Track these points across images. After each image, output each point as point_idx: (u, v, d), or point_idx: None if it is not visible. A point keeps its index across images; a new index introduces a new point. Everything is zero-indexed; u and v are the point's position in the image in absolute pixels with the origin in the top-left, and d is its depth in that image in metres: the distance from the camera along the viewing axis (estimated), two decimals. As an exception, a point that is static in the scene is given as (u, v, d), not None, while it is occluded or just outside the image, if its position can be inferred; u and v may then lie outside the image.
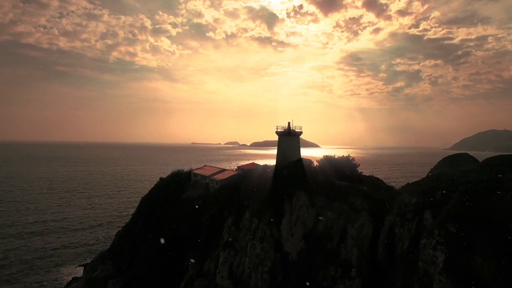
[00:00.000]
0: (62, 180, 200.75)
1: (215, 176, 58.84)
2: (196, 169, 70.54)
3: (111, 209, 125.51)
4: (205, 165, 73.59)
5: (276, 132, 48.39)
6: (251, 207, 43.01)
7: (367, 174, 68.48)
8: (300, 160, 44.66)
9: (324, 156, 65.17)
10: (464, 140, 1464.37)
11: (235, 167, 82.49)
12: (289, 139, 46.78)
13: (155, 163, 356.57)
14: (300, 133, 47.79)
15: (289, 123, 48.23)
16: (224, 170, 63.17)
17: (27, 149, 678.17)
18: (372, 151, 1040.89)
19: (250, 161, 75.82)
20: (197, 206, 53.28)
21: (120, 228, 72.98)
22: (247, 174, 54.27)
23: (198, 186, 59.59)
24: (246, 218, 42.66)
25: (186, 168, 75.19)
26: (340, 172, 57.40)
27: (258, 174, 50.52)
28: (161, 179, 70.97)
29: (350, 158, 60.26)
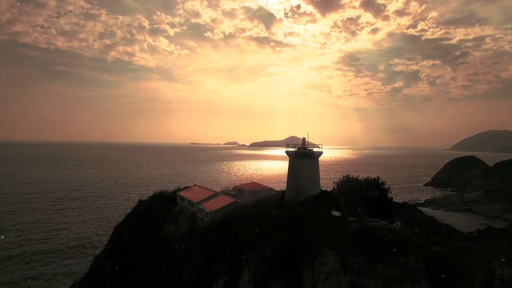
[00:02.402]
0: (53, 184, 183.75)
1: (204, 204, 45.37)
2: (183, 190, 57.08)
3: (98, 223, 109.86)
4: (194, 185, 60.02)
5: (286, 152, 34.97)
6: (252, 264, 29.53)
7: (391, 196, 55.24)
8: (323, 194, 31.27)
9: (344, 176, 51.95)
10: (464, 140, 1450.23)
11: (232, 186, 68.85)
12: (305, 163, 33.30)
13: (153, 165, 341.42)
14: (320, 153, 34.38)
15: (304, 140, 34.75)
16: (216, 194, 49.65)
17: (24, 149, 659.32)
18: (373, 152, 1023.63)
19: (250, 179, 62.23)
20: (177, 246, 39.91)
21: (99, 252, 59.73)
22: (247, 204, 40.89)
23: (183, 216, 46.06)
24: (244, 281, 29.17)
25: (174, 184, 62.63)
26: (365, 198, 44.25)
27: (262, 206, 37.01)
28: (140, 202, 57.45)
29: (380, 181, 46.90)
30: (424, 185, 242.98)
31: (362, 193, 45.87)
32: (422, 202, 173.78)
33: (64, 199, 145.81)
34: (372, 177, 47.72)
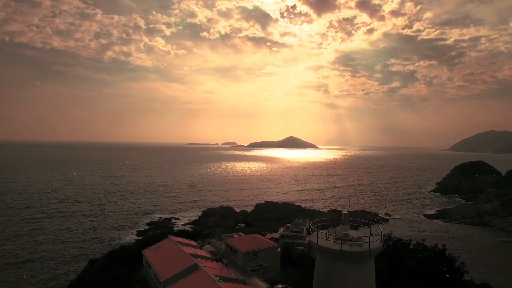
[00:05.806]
0: (37, 193, 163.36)
1: (174, 289, 28.79)
2: (152, 246, 40.45)
3: (74, 255, 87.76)
4: (168, 237, 43.11)
5: (315, 246, 17.54)
6: None
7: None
8: None
9: (385, 236, 35.52)
10: (463, 141, 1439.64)
11: (224, 236, 51.38)
12: (353, 269, 16.24)
13: (149, 169, 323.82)
14: (379, 249, 17.08)
15: (345, 217, 17.64)
16: (195, 266, 33.04)
17: (20, 149, 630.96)
18: (372, 152, 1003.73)
19: (243, 233, 44.84)
20: None
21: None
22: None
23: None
24: None
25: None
26: (424, 276, 27.91)
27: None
28: (91, 263, 40.99)
29: (446, 253, 30.30)
30: (431, 191, 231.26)
31: (415, 264, 29.50)
32: (433, 213, 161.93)
33: (42, 217, 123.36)
34: (435, 247, 31.20)
